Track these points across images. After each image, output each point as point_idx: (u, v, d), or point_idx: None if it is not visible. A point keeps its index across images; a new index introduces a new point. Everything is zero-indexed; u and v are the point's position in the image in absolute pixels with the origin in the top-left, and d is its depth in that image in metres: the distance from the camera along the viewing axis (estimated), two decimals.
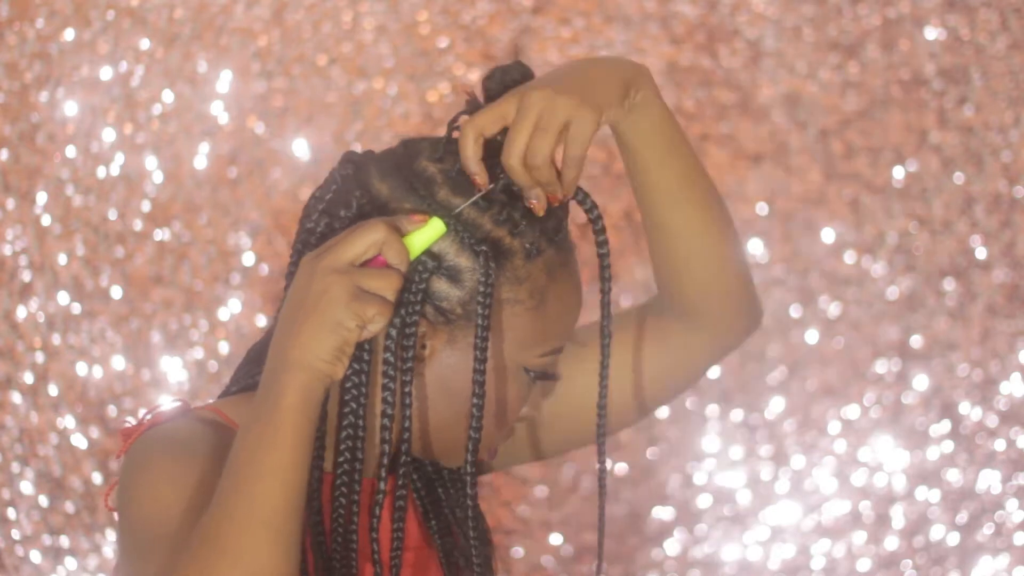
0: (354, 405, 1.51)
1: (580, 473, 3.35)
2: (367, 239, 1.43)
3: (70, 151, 3.18)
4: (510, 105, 1.48)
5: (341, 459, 1.51)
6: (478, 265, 1.50)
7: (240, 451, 1.39)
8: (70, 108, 3.17)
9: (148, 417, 1.57)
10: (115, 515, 1.54)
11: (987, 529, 3.28)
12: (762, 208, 3.34)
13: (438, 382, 1.52)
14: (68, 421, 3.18)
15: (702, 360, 1.73)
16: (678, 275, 1.65)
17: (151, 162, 3.21)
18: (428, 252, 1.49)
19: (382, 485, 1.51)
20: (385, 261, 1.44)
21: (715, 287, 1.66)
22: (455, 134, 1.55)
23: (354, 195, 1.52)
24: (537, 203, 1.49)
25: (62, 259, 3.19)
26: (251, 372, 1.61)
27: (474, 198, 1.50)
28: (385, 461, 1.50)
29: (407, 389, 1.50)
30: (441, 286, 1.51)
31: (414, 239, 1.47)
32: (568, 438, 1.75)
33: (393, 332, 1.50)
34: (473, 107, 1.54)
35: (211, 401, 1.64)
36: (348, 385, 1.51)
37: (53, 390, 3.18)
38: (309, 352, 1.39)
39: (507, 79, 1.53)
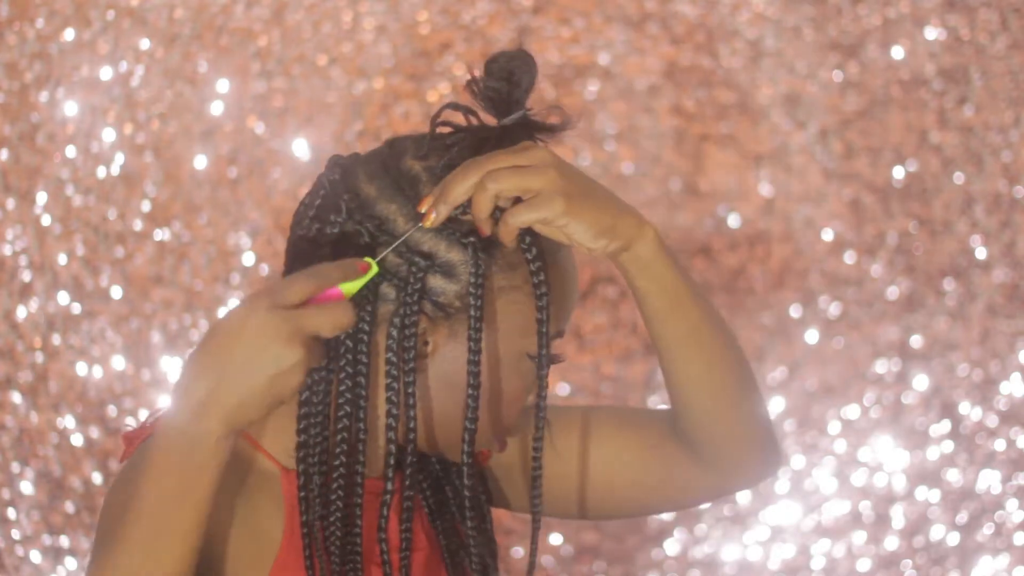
0: (348, 408, 1.51)
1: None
2: (316, 280, 1.37)
3: (70, 151, 3.18)
4: (524, 157, 1.47)
5: (337, 462, 1.51)
6: (468, 257, 1.50)
7: (145, 499, 1.35)
8: (70, 108, 3.17)
9: (151, 421, 1.57)
10: None
11: (987, 529, 3.28)
12: (762, 208, 3.34)
13: (442, 377, 1.53)
14: (68, 421, 3.18)
15: (700, 494, 1.73)
16: (686, 414, 1.64)
17: (151, 162, 3.21)
18: (420, 251, 1.50)
19: (389, 485, 1.51)
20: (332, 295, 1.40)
21: (722, 431, 1.64)
22: (441, 129, 1.55)
23: (343, 199, 1.52)
24: (432, 216, 1.48)
25: (62, 259, 3.19)
26: None
27: (403, 236, 1.49)
28: (391, 460, 1.51)
29: (410, 390, 1.50)
30: (437, 282, 1.51)
31: (349, 286, 1.44)
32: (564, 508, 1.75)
33: (394, 332, 1.50)
34: (474, 88, 1.53)
35: None
36: (342, 400, 1.51)
37: (53, 390, 3.18)
38: (239, 402, 1.34)
39: (511, 65, 1.53)
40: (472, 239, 1.50)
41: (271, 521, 1.53)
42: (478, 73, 1.53)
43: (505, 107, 1.53)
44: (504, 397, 1.55)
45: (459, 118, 1.56)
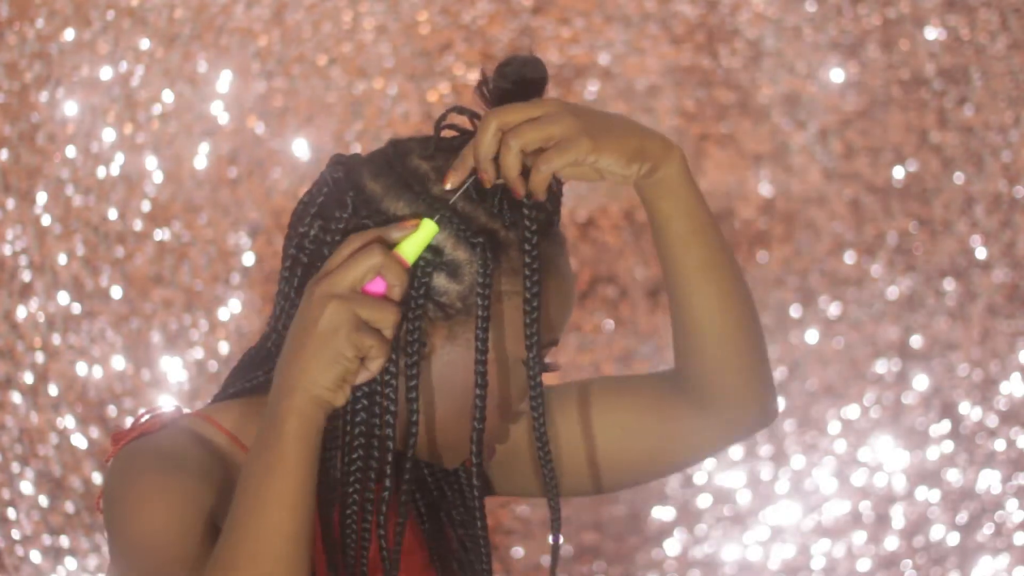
0: (365, 415, 1.50)
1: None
2: (365, 263, 1.43)
3: (70, 151, 3.18)
4: (537, 107, 1.48)
5: (354, 467, 1.50)
6: (475, 257, 1.49)
7: (248, 479, 1.41)
8: (70, 108, 3.18)
9: (144, 419, 1.57)
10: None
11: (987, 529, 3.28)
12: (762, 208, 3.34)
13: (438, 379, 1.52)
14: (68, 421, 3.18)
15: (704, 446, 1.71)
16: (694, 353, 1.63)
17: (151, 162, 3.21)
18: (426, 248, 1.49)
19: (386, 494, 1.50)
20: (384, 283, 1.44)
21: (730, 371, 1.64)
22: (445, 132, 1.55)
23: (348, 195, 1.52)
24: (485, 176, 1.49)
25: (62, 259, 3.19)
26: (246, 376, 1.60)
27: (461, 189, 1.49)
28: (390, 460, 1.50)
29: (412, 395, 1.50)
30: (440, 281, 1.50)
31: (408, 245, 1.46)
32: (568, 482, 1.75)
33: (398, 330, 1.49)
34: (484, 91, 1.53)
35: (207, 403, 1.63)
36: (359, 394, 1.50)
37: (53, 390, 3.18)
38: (309, 379, 1.40)
39: (524, 69, 1.53)
40: (481, 239, 1.50)
41: None
42: (488, 74, 1.53)
43: None
44: (501, 401, 1.55)
45: (464, 122, 1.56)
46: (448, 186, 1.49)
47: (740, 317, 1.62)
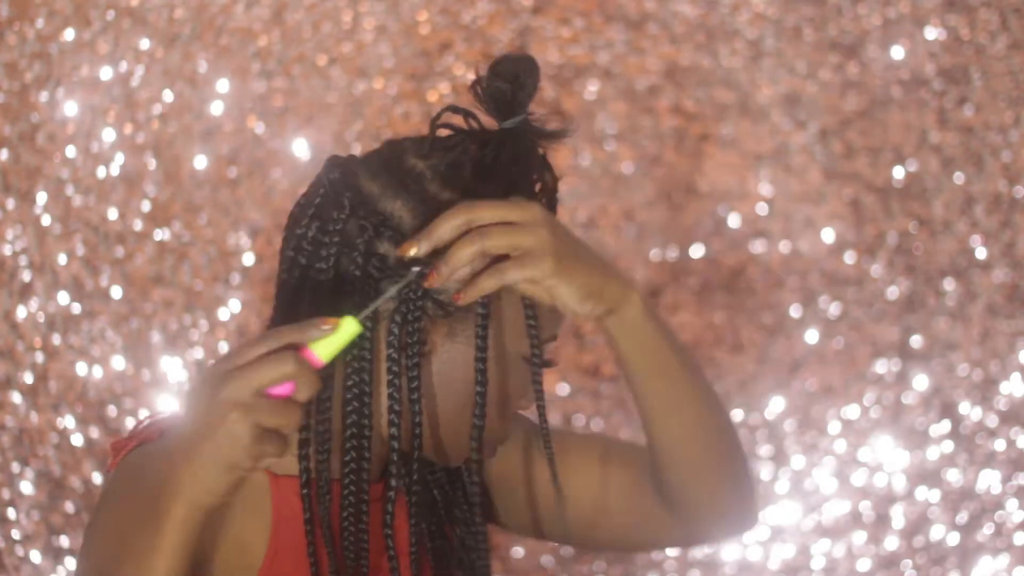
0: (356, 416, 1.50)
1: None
2: (276, 371, 1.34)
3: (70, 151, 3.18)
4: (515, 211, 1.47)
5: (347, 469, 1.50)
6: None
7: (127, 532, 1.38)
8: (70, 108, 3.18)
9: (144, 425, 1.57)
10: None
11: (987, 529, 3.28)
12: (762, 208, 3.34)
13: (439, 376, 1.52)
14: (68, 421, 3.18)
15: (668, 542, 1.71)
16: (665, 475, 1.63)
17: (151, 162, 3.21)
18: (427, 251, 1.49)
19: (391, 494, 1.50)
20: (291, 386, 1.36)
21: (703, 492, 1.63)
22: (440, 131, 1.55)
23: (345, 196, 1.52)
24: (432, 276, 1.45)
25: (62, 259, 3.19)
26: None
27: (383, 297, 1.45)
28: (394, 458, 1.50)
29: (414, 390, 1.50)
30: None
31: (323, 344, 1.38)
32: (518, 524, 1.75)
33: (395, 329, 1.49)
34: (478, 89, 1.53)
35: None
36: (349, 396, 1.50)
37: (53, 390, 3.18)
38: (200, 488, 1.35)
39: (517, 67, 1.53)
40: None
41: (258, 529, 1.52)
42: (483, 73, 1.53)
43: (508, 109, 1.52)
44: (501, 398, 1.55)
45: (459, 120, 1.56)
46: (407, 255, 1.47)
47: (709, 444, 1.60)
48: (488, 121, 1.54)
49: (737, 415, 3.34)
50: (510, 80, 1.52)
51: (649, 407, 1.58)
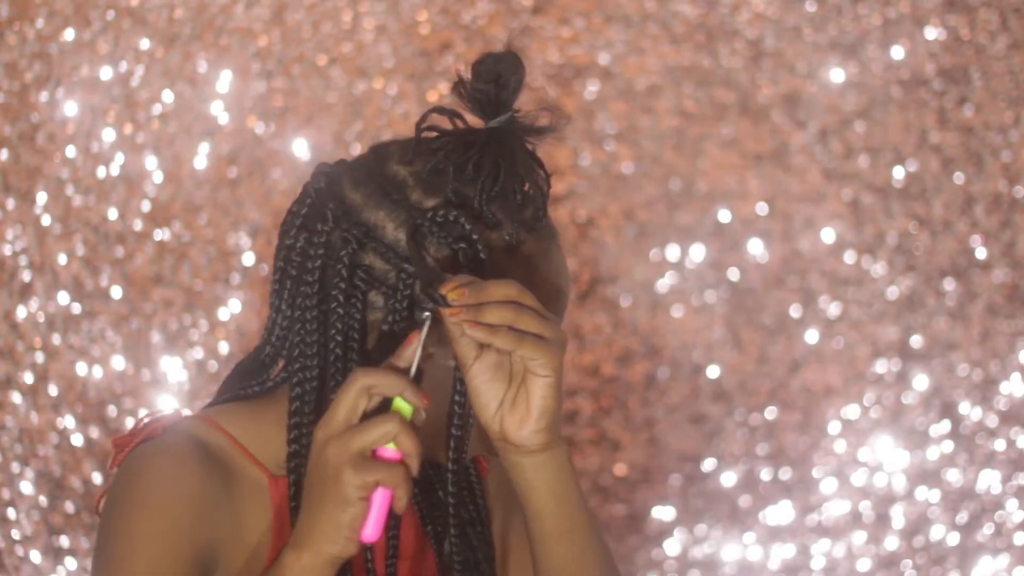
0: None
1: (579, 474, 3.35)
2: (380, 431, 1.41)
3: (70, 151, 3.18)
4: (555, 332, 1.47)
5: None
6: (458, 262, 1.49)
7: None
8: (70, 108, 3.17)
9: (146, 421, 1.57)
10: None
11: (987, 529, 3.28)
12: (762, 208, 3.34)
13: (432, 381, 1.52)
14: (68, 421, 3.18)
15: None
16: None
17: (151, 162, 3.21)
18: (408, 258, 1.49)
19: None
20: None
21: None
22: (427, 133, 1.55)
23: (328, 207, 1.52)
24: (461, 314, 1.44)
25: (62, 259, 3.19)
26: (240, 385, 1.60)
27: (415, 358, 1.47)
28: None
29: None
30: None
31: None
32: None
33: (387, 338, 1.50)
34: (461, 91, 1.52)
35: (205, 405, 1.64)
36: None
37: (53, 390, 3.18)
38: (326, 546, 1.41)
39: (498, 67, 1.52)
40: (462, 245, 1.49)
41: (259, 529, 1.52)
42: (465, 75, 1.53)
43: (493, 109, 1.52)
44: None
45: (446, 122, 1.56)
46: (444, 292, 1.46)
47: None
48: (476, 121, 1.54)
49: (737, 415, 3.34)
50: (491, 80, 1.51)
51: (548, 568, 1.53)
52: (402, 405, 1.43)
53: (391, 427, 1.40)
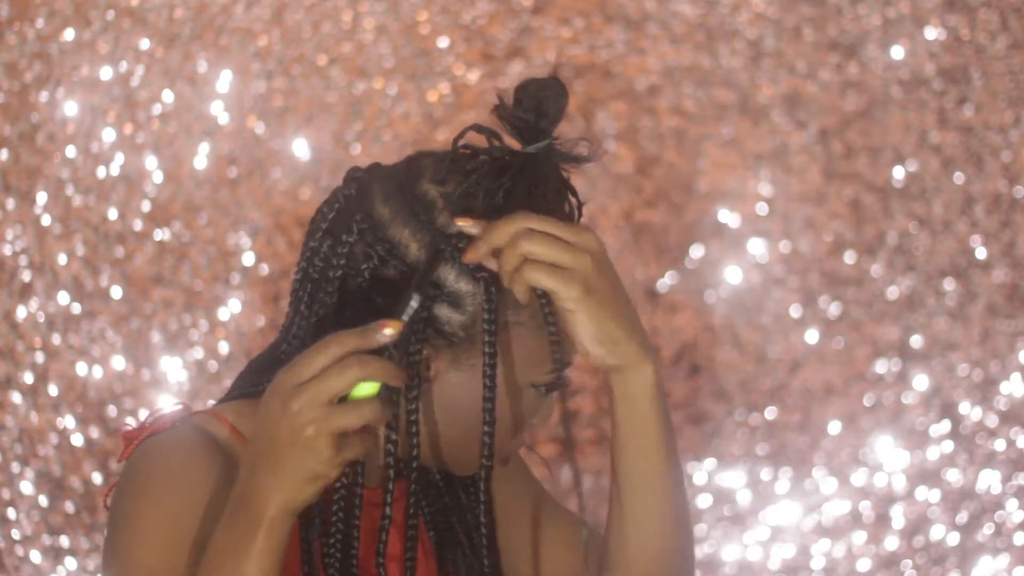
0: None
1: (579, 474, 3.35)
2: (343, 379, 1.38)
3: (70, 151, 3.18)
4: (572, 233, 1.46)
5: (337, 484, 1.50)
6: (479, 290, 1.49)
7: (216, 559, 1.40)
8: (70, 108, 3.18)
9: (151, 420, 1.57)
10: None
11: (987, 529, 3.28)
12: (762, 208, 3.34)
13: (444, 400, 1.52)
14: (68, 421, 3.18)
15: None
16: (616, 558, 1.59)
17: (151, 162, 3.21)
18: (428, 280, 1.48)
19: (389, 499, 1.50)
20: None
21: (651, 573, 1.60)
22: (461, 150, 1.53)
23: (355, 219, 1.51)
24: (470, 252, 1.46)
25: (62, 259, 3.19)
26: (253, 381, 1.60)
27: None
28: (391, 475, 1.50)
29: (412, 415, 1.49)
30: (443, 311, 1.49)
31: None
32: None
33: (396, 356, 1.49)
34: (501, 114, 1.51)
35: (212, 403, 1.64)
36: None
37: (53, 390, 3.18)
38: (287, 493, 1.38)
39: (541, 95, 1.50)
40: (485, 273, 1.49)
41: None
42: (506, 97, 1.51)
43: (532, 136, 1.50)
44: (513, 423, 1.55)
45: (482, 139, 1.54)
46: (467, 260, 1.47)
47: (669, 542, 1.57)
48: (514, 141, 1.52)
49: (737, 415, 3.34)
50: (533, 108, 1.50)
51: (625, 483, 1.55)
52: (368, 387, 1.42)
53: (374, 413, 1.39)
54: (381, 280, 1.50)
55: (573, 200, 1.54)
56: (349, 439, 1.38)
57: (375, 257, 1.50)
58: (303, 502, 1.39)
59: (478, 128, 1.53)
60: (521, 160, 1.50)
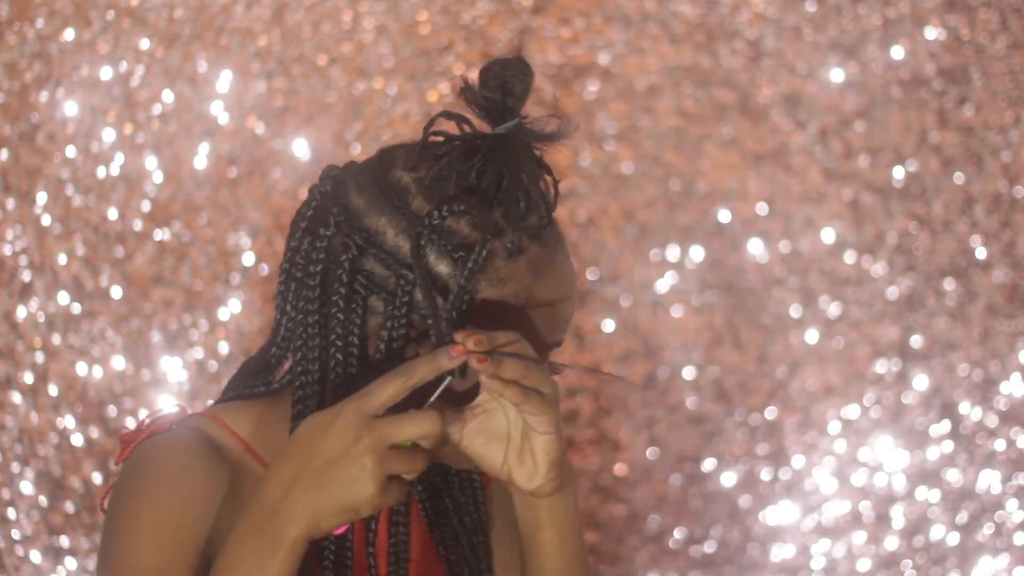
0: None
1: (579, 474, 3.35)
2: (423, 430, 1.42)
3: (70, 151, 3.18)
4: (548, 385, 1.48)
5: None
6: (457, 271, 1.49)
7: (233, 557, 1.42)
8: (70, 108, 3.18)
9: (148, 422, 1.57)
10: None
11: (987, 529, 3.28)
12: (762, 208, 3.34)
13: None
14: (68, 421, 3.18)
15: None
16: None
17: (151, 162, 3.21)
18: (407, 264, 1.49)
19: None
20: None
21: None
22: (434, 138, 1.54)
23: (331, 212, 1.52)
24: (485, 364, 1.46)
25: (62, 259, 3.19)
26: (246, 384, 1.60)
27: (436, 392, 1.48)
28: None
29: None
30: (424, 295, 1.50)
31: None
32: None
33: (382, 346, 1.50)
34: (468, 96, 1.52)
35: (210, 403, 1.64)
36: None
37: (53, 390, 3.18)
38: (317, 519, 1.41)
39: (505, 74, 1.51)
40: (461, 253, 1.49)
41: None
42: (472, 80, 1.52)
43: (499, 116, 1.51)
44: None
45: (453, 127, 1.55)
46: (462, 339, 1.46)
47: None
48: (484, 125, 1.53)
49: (737, 415, 3.34)
50: (499, 87, 1.51)
51: None
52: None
53: (431, 428, 1.41)
54: (360, 271, 1.51)
55: (548, 178, 1.55)
56: (393, 484, 1.42)
57: (353, 247, 1.51)
58: (326, 531, 1.41)
59: (447, 115, 1.54)
60: (491, 141, 1.50)
